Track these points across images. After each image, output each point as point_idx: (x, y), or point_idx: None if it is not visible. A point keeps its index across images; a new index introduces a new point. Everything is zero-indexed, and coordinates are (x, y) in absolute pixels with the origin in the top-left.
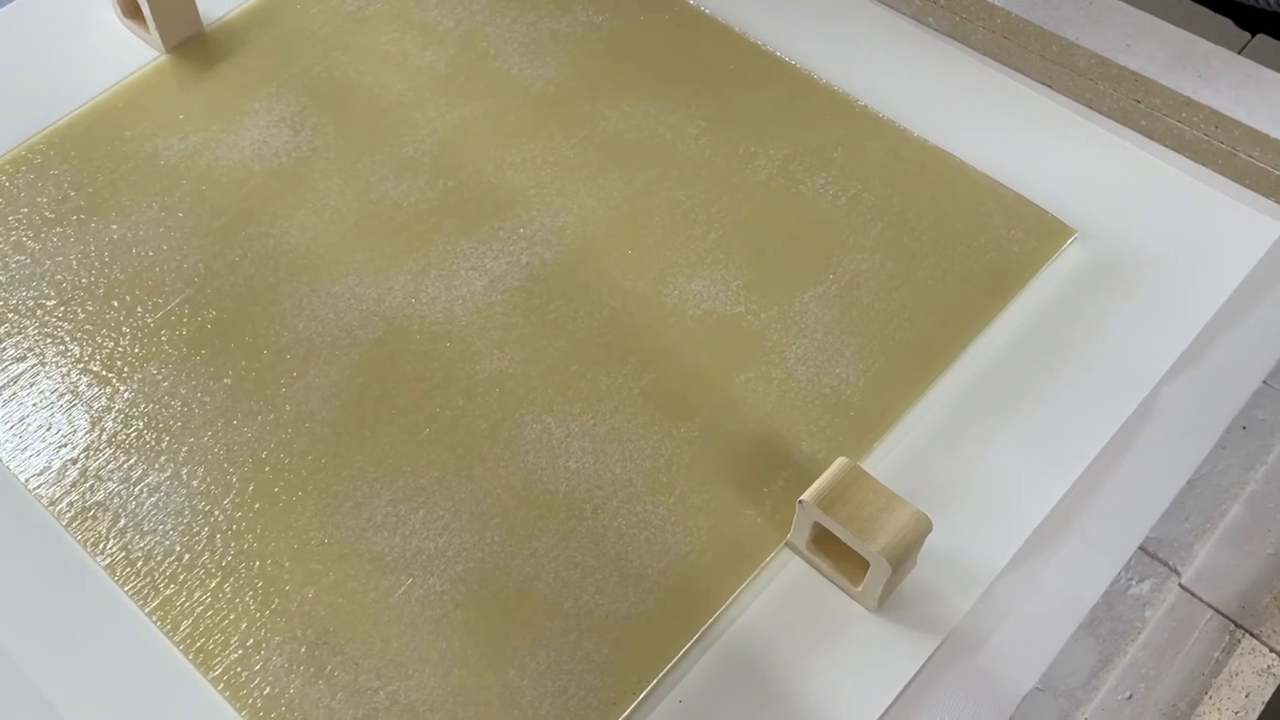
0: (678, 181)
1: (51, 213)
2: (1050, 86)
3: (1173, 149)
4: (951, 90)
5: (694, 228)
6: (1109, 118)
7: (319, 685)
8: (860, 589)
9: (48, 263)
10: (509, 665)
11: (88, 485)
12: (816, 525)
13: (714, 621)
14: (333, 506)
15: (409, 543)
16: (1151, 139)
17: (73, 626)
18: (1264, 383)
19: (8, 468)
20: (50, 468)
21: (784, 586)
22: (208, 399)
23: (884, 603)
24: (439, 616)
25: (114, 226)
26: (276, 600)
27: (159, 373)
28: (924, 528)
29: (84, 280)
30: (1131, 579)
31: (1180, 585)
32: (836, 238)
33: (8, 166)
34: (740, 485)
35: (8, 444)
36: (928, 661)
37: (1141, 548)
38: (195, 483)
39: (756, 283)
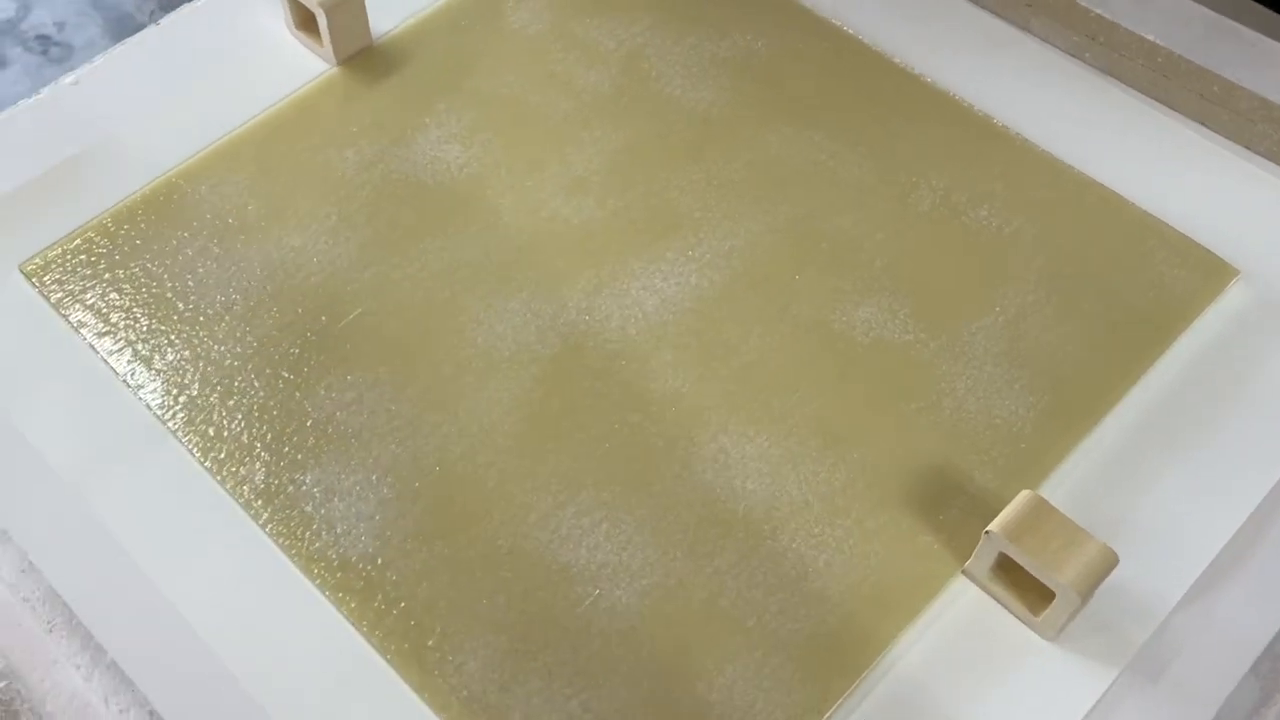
0: (842, 208)
1: (234, 220)
2: (1207, 126)
3: None
4: (1107, 126)
5: (859, 254)
6: (1268, 158)
7: (514, 691)
8: (1040, 619)
9: (233, 268)
10: (697, 679)
11: (287, 492)
12: (1001, 555)
13: (896, 644)
14: (519, 517)
15: (594, 555)
16: None
17: (282, 630)
18: None
19: (216, 476)
20: (253, 473)
21: (960, 613)
22: (394, 407)
23: (1059, 630)
24: (627, 629)
25: (294, 236)
26: (470, 606)
27: (346, 379)
28: (1111, 562)
29: (269, 287)
30: None
31: None
32: (1000, 270)
33: (189, 174)
34: (915, 512)
35: (218, 452)
36: (1105, 694)
37: None
38: (385, 490)
39: (923, 312)
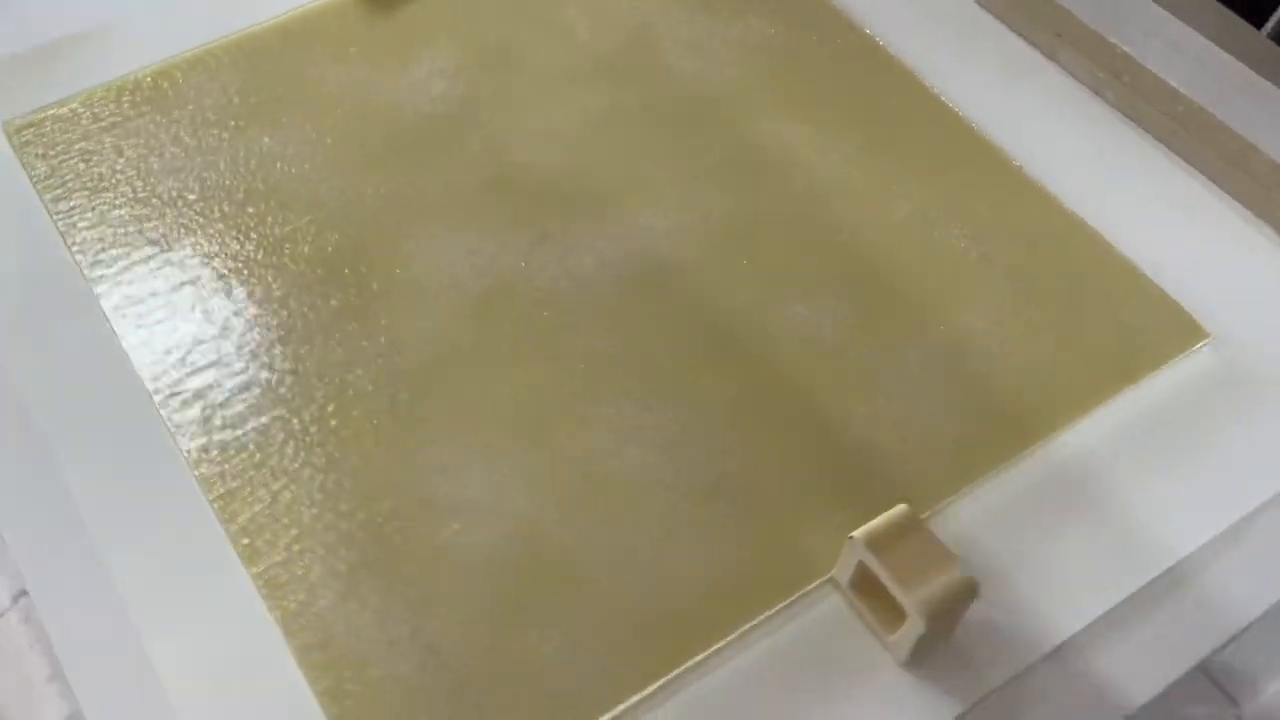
0: (810, 204)
1: (213, 115)
2: (1220, 186)
3: None
4: (1115, 169)
5: (815, 252)
6: (1277, 231)
7: (350, 604)
8: (893, 639)
9: (199, 159)
10: (531, 628)
11: (186, 371)
12: (861, 565)
13: (741, 635)
14: (401, 441)
15: (465, 491)
16: None
17: (145, 499)
18: None
19: (121, 342)
20: (154, 346)
21: (819, 619)
22: (312, 315)
23: (915, 660)
24: (477, 566)
25: (266, 139)
26: (329, 517)
27: (274, 281)
28: (969, 592)
29: (226, 182)
30: (1185, 699)
31: (1236, 717)
32: (959, 291)
33: (183, 65)
34: (801, 512)
35: (126, 320)
36: None
37: (1204, 670)
38: (283, 390)
39: (866, 319)
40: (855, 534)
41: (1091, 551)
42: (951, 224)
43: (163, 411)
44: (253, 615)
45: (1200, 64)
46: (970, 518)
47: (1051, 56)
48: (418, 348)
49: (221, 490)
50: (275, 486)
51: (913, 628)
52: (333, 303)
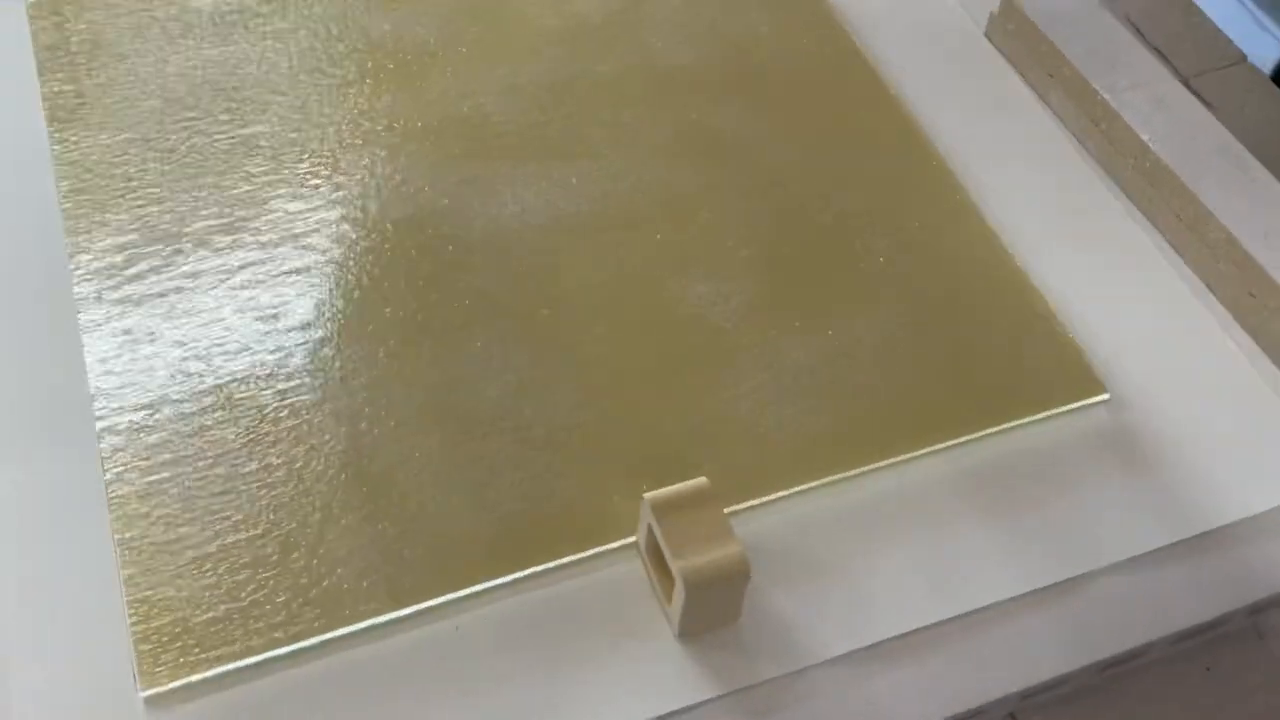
0: (742, 193)
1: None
2: (1175, 250)
3: (1275, 361)
4: (1072, 215)
5: (731, 238)
6: (1222, 304)
7: (174, 452)
8: (670, 608)
9: (193, 44)
10: (329, 525)
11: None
12: (649, 530)
13: (529, 576)
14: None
15: (323, 378)
16: (1257, 341)
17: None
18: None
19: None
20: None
21: (615, 579)
22: (230, 211)
23: (690, 635)
24: (306, 436)
25: (250, 43)
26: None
27: (207, 183)
28: (740, 570)
29: (202, 74)
30: None
31: None
32: (864, 300)
33: None
34: (630, 475)
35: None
36: (694, 707)
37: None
38: (188, 250)
39: (757, 309)
40: (646, 495)
41: (905, 577)
42: (878, 236)
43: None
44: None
45: (1179, 123)
46: (803, 516)
47: (1044, 97)
48: (320, 260)
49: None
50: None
51: (680, 595)
52: (252, 210)
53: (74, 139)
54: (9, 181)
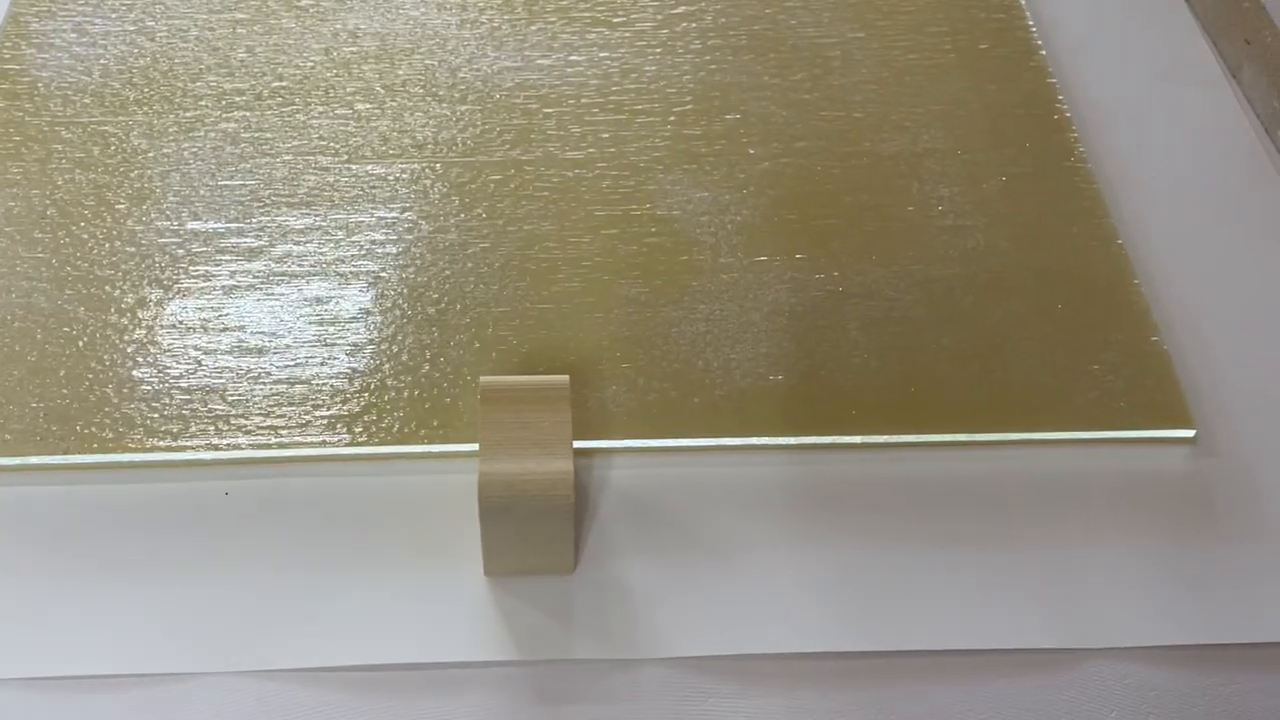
0: (792, 102)
1: None
2: None
3: None
4: (1228, 216)
5: (756, 146)
6: None
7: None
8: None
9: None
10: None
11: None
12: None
13: (356, 457)
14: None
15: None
16: None
17: None
18: None
19: None
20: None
21: (459, 487)
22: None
23: (497, 572)
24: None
25: None
26: None
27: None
28: (560, 494)
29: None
30: None
31: None
32: (892, 248)
33: None
34: (522, 371)
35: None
36: (466, 665)
37: None
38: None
39: (755, 231)
40: (483, 379)
41: (817, 586)
42: (947, 182)
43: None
44: None
45: None
46: (712, 479)
47: (1235, 71)
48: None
49: None
50: None
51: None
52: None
53: None
54: None
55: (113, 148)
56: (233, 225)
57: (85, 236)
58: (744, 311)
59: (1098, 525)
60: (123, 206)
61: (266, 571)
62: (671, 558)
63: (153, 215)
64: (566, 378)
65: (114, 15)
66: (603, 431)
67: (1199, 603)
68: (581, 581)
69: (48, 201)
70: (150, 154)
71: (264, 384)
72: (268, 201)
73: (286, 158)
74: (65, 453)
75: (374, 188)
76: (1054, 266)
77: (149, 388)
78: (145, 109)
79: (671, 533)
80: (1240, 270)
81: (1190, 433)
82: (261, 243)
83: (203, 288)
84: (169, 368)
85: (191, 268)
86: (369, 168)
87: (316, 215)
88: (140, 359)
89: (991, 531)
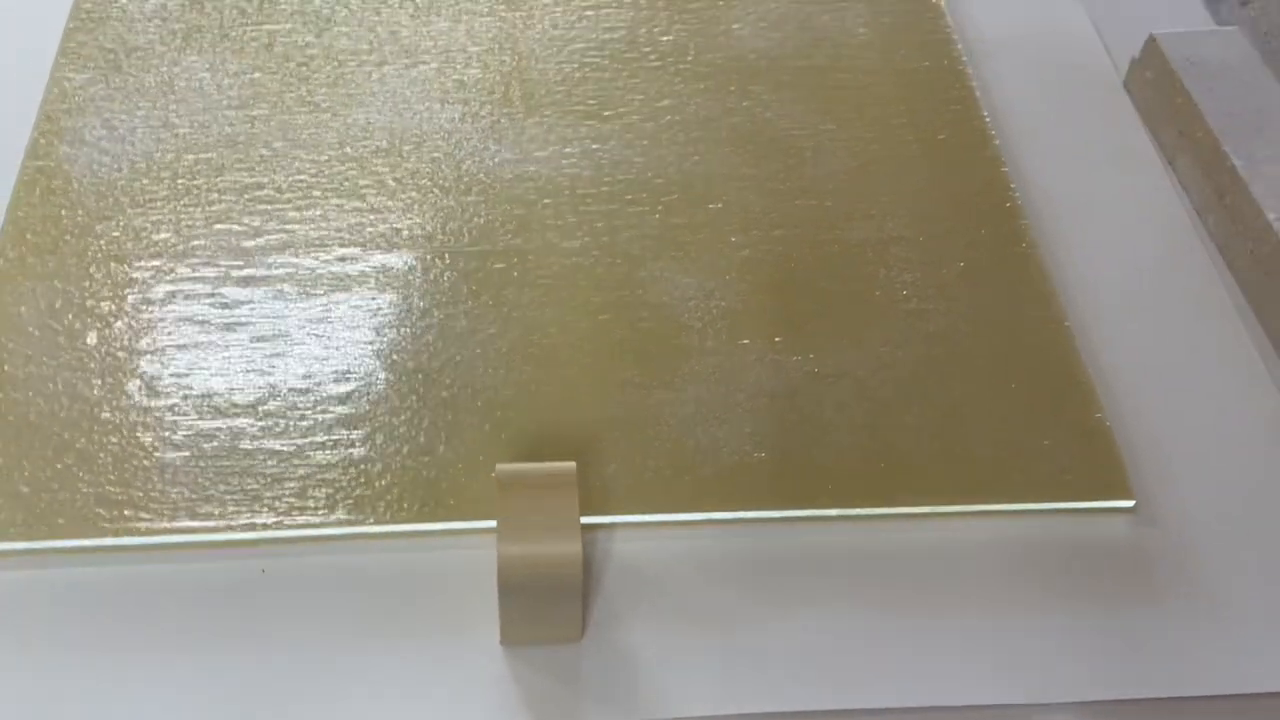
0: (769, 191)
1: None
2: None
3: None
4: (1165, 294)
5: (737, 235)
6: None
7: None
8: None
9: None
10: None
11: None
12: None
13: (374, 535)
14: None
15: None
16: None
17: None
18: None
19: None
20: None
21: (469, 563)
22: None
23: (513, 640)
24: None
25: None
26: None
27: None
28: (570, 574)
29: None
30: None
31: None
32: (860, 331)
33: None
34: (527, 454)
35: None
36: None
37: None
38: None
39: (737, 316)
40: (499, 466)
41: (805, 650)
42: (911, 269)
43: None
44: None
45: None
46: (704, 551)
47: (1171, 160)
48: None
49: None
50: None
51: (499, 587)
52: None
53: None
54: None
55: (144, 241)
56: (256, 314)
57: (122, 327)
58: (729, 393)
59: (1048, 588)
60: (156, 295)
61: (297, 646)
62: (671, 623)
63: (183, 304)
64: (573, 465)
65: (140, 112)
66: (604, 508)
67: (1138, 659)
68: (590, 648)
69: (86, 294)
70: (179, 246)
71: (295, 465)
72: (290, 293)
73: (307, 249)
74: (115, 535)
75: (388, 277)
76: (1008, 347)
77: (188, 471)
78: (173, 204)
79: (670, 600)
80: (1176, 347)
81: (1130, 503)
82: (286, 331)
83: (232, 374)
84: (207, 451)
85: (224, 353)
86: (384, 258)
87: (335, 304)
88: (179, 443)
89: (951, 594)
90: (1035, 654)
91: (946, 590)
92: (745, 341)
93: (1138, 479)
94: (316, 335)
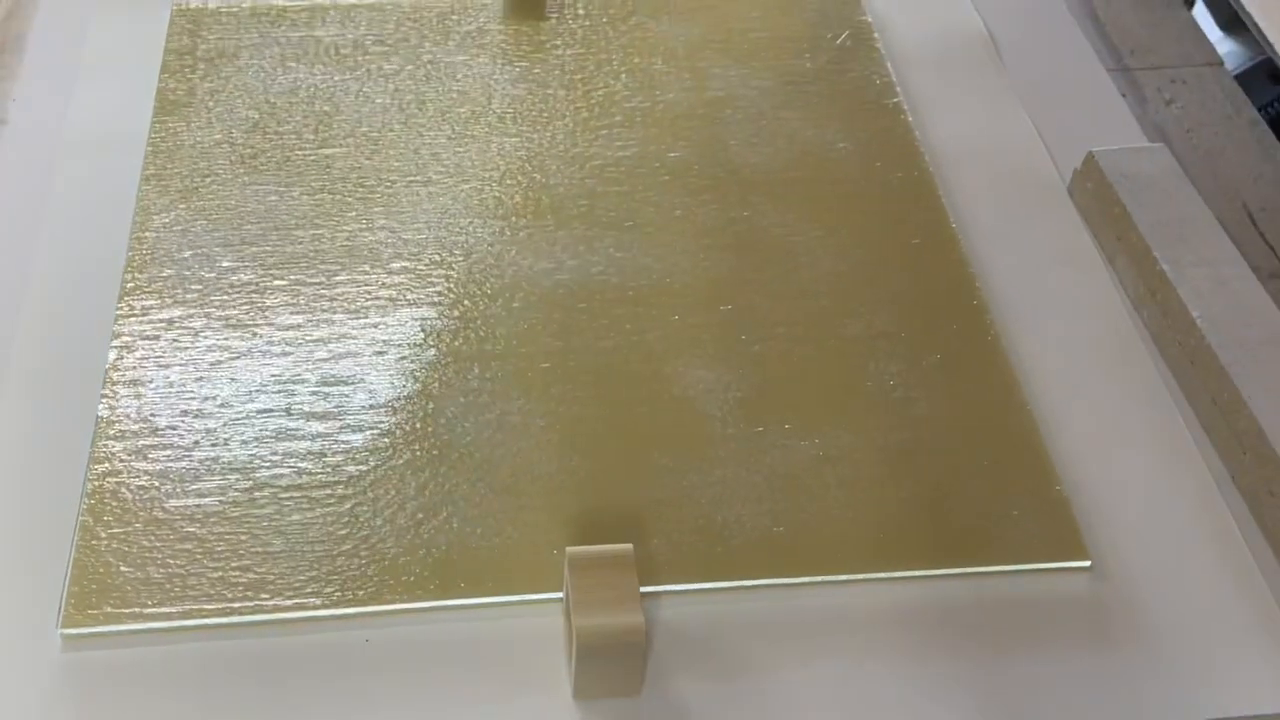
0: (772, 293)
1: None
2: (1205, 433)
3: None
4: (1106, 379)
5: (747, 333)
6: (1241, 497)
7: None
8: (571, 667)
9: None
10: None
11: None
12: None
13: (453, 608)
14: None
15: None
16: (1268, 540)
17: None
18: None
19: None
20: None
21: (535, 630)
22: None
23: (585, 696)
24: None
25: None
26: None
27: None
28: (635, 641)
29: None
30: None
31: None
32: (858, 416)
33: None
34: (580, 534)
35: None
36: None
37: None
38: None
39: (751, 405)
40: (569, 550)
41: (826, 698)
42: (896, 360)
43: None
44: None
45: (1236, 308)
46: (737, 613)
47: (1111, 260)
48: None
49: None
50: None
51: (573, 652)
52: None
53: (171, 129)
54: (108, 158)
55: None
56: (334, 430)
57: (200, 428)
58: (749, 474)
59: (1015, 639)
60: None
61: (402, 711)
62: (714, 678)
63: (270, 412)
64: (630, 546)
65: (218, 233)
66: (650, 578)
67: (1095, 702)
68: (648, 701)
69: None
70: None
71: (390, 546)
72: (366, 404)
73: (373, 361)
74: (240, 615)
75: (450, 380)
76: (980, 429)
77: (302, 556)
78: (251, 323)
79: (712, 657)
80: (1121, 426)
81: (1086, 563)
82: (368, 439)
83: (323, 474)
84: (315, 536)
85: (312, 441)
86: (449, 370)
87: (410, 412)
88: (287, 531)
89: (934, 646)
90: (1004, 698)
91: (929, 641)
92: (760, 429)
93: (1092, 541)
94: (387, 439)
